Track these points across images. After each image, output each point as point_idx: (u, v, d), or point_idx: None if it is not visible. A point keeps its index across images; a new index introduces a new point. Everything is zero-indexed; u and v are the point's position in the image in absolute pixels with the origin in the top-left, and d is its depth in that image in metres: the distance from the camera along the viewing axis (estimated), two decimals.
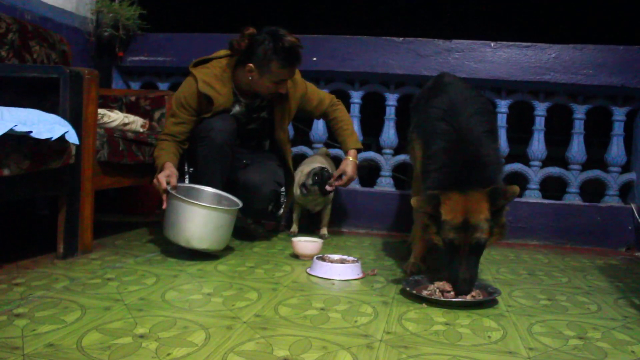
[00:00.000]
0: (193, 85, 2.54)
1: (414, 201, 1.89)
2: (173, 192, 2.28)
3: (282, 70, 2.48)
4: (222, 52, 2.63)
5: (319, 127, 3.64)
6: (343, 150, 2.93)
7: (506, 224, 1.89)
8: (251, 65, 2.48)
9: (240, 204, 2.45)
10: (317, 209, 3.08)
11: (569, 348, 1.47)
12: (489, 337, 1.54)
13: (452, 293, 1.85)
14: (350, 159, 2.79)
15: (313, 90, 2.89)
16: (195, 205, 2.25)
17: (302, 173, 2.98)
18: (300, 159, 3.36)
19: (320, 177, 2.82)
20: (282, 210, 2.98)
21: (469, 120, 1.95)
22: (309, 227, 3.23)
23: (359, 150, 2.88)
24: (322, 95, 2.91)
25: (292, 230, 3.11)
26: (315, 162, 3.08)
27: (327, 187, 2.82)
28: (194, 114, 2.56)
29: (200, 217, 2.25)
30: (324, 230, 3.11)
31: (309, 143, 3.66)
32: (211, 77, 2.54)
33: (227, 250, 2.52)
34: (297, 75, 2.76)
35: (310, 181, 2.86)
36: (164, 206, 2.30)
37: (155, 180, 2.34)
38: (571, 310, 1.87)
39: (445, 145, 1.93)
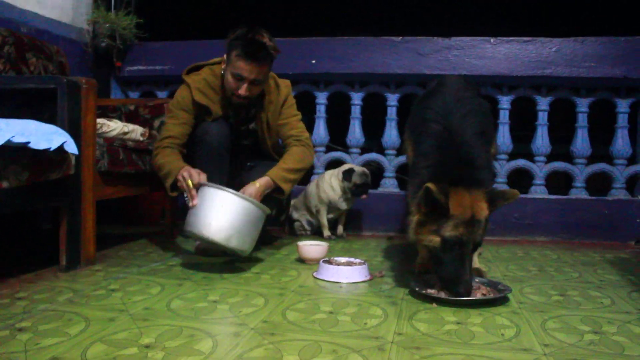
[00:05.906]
0: (188, 93, 2.50)
1: (430, 185, 1.71)
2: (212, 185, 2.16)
3: (239, 61, 2.34)
4: (215, 59, 2.59)
5: (320, 130, 3.61)
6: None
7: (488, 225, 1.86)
8: (225, 55, 2.45)
9: (267, 209, 2.28)
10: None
11: (585, 343, 1.44)
12: (503, 334, 1.50)
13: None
14: (257, 185, 2.33)
15: (292, 107, 2.70)
16: (249, 202, 2.15)
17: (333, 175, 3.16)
18: None
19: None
20: (283, 216, 2.94)
21: (461, 121, 1.92)
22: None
23: (276, 189, 2.42)
24: (295, 123, 2.66)
25: (327, 235, 3.16)
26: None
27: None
28: (193, 116, 2.52)
29: (251, 215, 2.15)
30: (342, 230, 3.29)
31: None
32: (204, 84, 2.51)
33: (232, 256, 2.49)
34: (285, 86, 2.66)
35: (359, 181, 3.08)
36: (194, 203, 2.15)
37: (185, 174, 2.22)
38: (584, 305, 1.83)
39: (436, 143, 1.90)
